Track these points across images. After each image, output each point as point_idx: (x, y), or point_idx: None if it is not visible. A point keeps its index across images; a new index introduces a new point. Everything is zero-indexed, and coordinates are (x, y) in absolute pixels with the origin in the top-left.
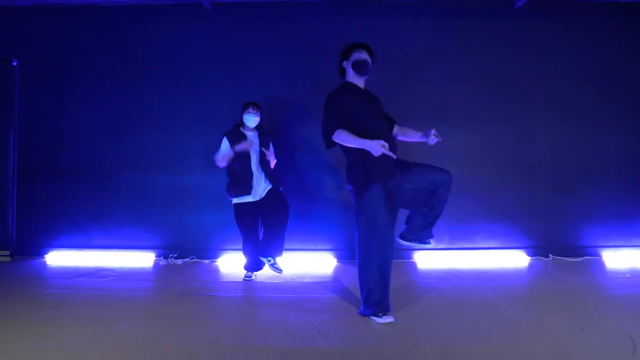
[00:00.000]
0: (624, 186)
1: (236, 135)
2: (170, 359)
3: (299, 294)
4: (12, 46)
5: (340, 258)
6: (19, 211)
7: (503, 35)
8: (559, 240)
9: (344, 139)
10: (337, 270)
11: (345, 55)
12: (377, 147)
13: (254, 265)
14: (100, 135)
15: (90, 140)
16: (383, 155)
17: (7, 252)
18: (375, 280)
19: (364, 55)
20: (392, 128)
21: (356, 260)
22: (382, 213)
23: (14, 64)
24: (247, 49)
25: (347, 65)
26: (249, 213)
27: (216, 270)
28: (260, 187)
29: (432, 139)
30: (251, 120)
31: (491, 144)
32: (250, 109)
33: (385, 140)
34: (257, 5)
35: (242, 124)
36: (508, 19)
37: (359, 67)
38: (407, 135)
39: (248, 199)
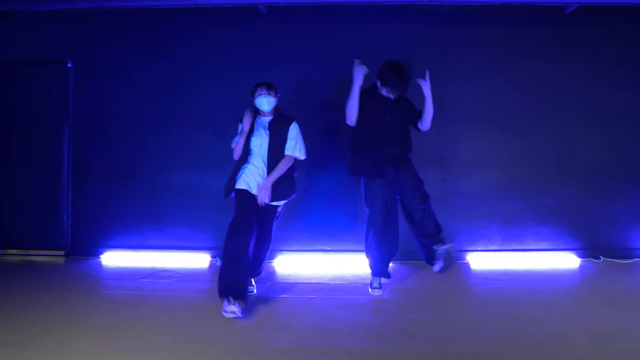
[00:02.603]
0: None
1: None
2: None
3: (364, 296)
4: (67, 48)
5: None
6: (74, 212)
7: (548, 41)
8: (609, 242)
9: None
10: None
11: (382, 72)
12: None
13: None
14: (152, 135)
15: (143, 141)
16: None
17: (62, 252)
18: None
19: (394, 78)
20: (416, 123)
21: None
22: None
23: (69, 65)
24: (301, 52)
25: (379, 82)
26: (243, 203)
27: (273, 271)
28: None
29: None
30: (264, 102)
31: (537, 146)
32: (260, 90)
33: (379, 142)
34: (313, 8)
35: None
36: (555, 25)
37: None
38: (426, 111)
39: (242, 185)
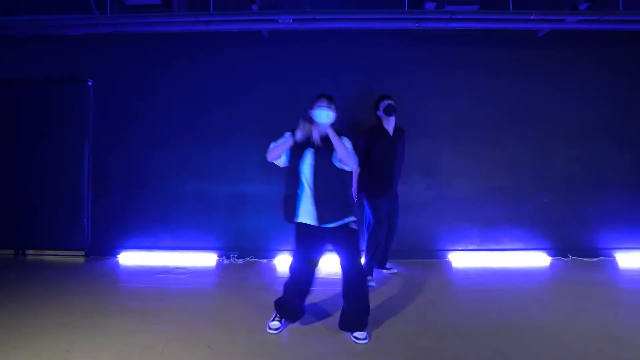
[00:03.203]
0: (633, 195)
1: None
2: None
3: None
4: (88, 68)
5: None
6: (94, 216)
7: (525, 62)
8: (577, 243)
9: (354, 177)
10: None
11: (376, 105)
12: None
13: (286, 311)
14: (167, 147)
15: (159, 152)
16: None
17: (83, 253)
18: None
19: (388, 101)
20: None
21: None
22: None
23: (89, 83)
24: (299, 71)
25: (380, 112)
26: (305, 237)
27: (274, 268)
28: (325, 212)
29: None
30: (323, 115)
31: (514, 157)
32: (321, 102)
33: (386, 172)
34: (309, 33)
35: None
36: (529, 47)
37: (388, 110)
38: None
39: (304, 219)
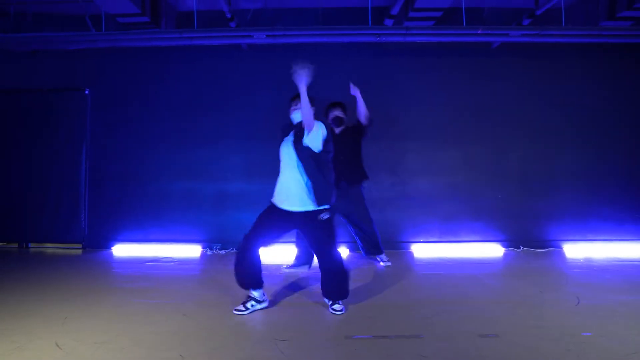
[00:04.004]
0: (581, 191)
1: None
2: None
3: None
4: (85, 78)
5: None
6: (90, 211)
7: (482, 70)
8: (528, 235)
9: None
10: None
11: (325, 113)
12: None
13: (242, 279)
14: (157, 149)
15: (149, 153)
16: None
17: (80, 245)
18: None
19: (336, 112)
20: (362, 134)
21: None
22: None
23: (86, 92)
24: (276, 80)
25: (329, 120)
26: (268, 215)
27: None
28: (290, 197)
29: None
30: (297, 115)
31: (473, 157)
32: (294, 105)
33: (338, 163)
34: (283, 47)
35: None
36: (486, 57)
37: (335, 122)
38: (360, 110)
39: (274, 199)
